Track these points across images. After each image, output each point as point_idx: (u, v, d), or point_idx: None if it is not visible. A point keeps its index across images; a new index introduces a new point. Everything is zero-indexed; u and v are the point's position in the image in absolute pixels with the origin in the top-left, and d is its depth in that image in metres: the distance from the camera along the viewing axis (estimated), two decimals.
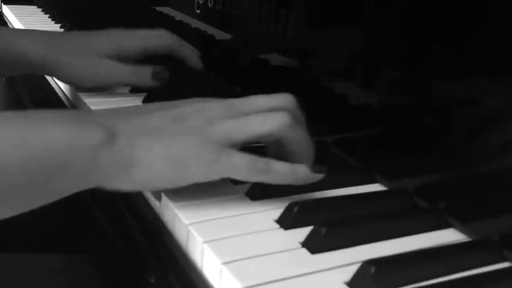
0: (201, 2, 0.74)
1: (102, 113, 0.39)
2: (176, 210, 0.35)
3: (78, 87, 0.55)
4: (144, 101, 0.54)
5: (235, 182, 0.39)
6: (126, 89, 0.58)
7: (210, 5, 0.71)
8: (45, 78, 0.68)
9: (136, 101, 0.55)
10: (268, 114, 0.36)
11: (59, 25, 0.91)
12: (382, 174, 0.40)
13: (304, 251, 0.31)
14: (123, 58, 0.55)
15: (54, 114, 0.34)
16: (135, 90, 0.57)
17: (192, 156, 0.34)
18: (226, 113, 0.36)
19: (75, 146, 0.32)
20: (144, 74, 0.54)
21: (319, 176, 0.35)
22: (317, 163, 0.38)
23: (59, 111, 0.36)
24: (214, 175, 0.34)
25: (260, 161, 0.34)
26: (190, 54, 0.59)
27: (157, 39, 0.57)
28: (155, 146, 0.34)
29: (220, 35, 0.73)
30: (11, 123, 0.32)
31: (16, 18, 0.95)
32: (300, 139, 0.36)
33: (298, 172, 0.35)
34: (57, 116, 0.34)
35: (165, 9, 0.99)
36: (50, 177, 0.31)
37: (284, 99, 0.38)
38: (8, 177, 0.29)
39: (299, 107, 0.38)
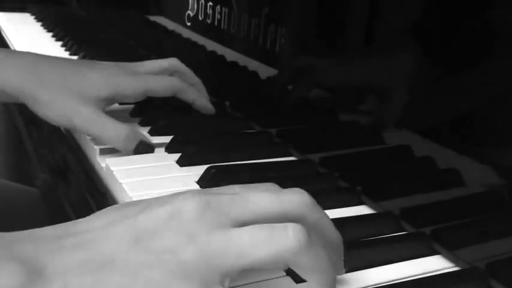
0: (191, 15, 0.74)
1: (24, 236, 0.24)
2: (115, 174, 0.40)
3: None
4: (140, 124, 0.52)
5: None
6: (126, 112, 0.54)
7: (200, 18, 0.71)
8: None
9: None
10: (276, 227, 0.24)
11: (51, 33, 0.91)
12: (369, 196, 0.40)
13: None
14: (117, 100, 0.49)
15: None
16: (135, 114, 0.53)
17: None
18: (210, 221, 0.24)
19: None
20: (124, 140, 0.44)
21: None
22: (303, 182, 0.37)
23: None
24: None
25: None
26: (196, 97, 0.52)
27: (160, 81, 0.49)
28: None
29: (213, 45, 0.73)
30: None
31: (10, 24, 0.95)
32: (315, 266, 0.25)
33: None
34: None
35: (159, 19, 0.98)
36: None
37: (297, 200, 0.26)
38: None
39: (319, 211, 0.27)
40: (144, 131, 0.50)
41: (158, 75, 0.51)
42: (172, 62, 0.53)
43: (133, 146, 0.44)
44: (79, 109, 0.44)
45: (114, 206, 0.27)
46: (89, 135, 0.47)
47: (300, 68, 0.53)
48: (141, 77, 0.49)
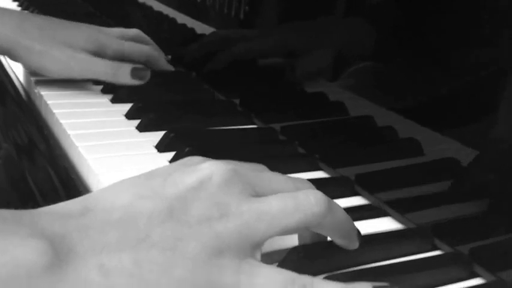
0: None
1: (45, 212, 0.22)
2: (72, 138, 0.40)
3: (46, 75, 0.51)
4: (102, 91, 0.51)
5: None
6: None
7: None
8: (2, 64, 0.65)
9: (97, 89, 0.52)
10: (298, 195, 0.25)
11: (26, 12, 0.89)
12: (326, 161, 0.40)
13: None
14: (100, 55, 0.51)
15: None
16: (106, 90, 0.51)
17: (201, 283, 0.22)
18: (237, 190, 0.24)
19: None
20: (123, 71, 0.50)
21: None
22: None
23: None
24: None
25: (301, 282, 0.23)
26: (163, 64, 0.56)
27: (138, 47, 0.54)
28: (146, 273, 0.21)
29: (184, 19, 0.72)
30: None
31: None
32: (336, 225, 0.26)
33: None
34: None
35: None
36: None
37: (306, 183, 0.28)
38: None
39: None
40: (106, 98, 0.50)
41: (135, 42, 0.55)
42: (136, 32, 0.57)
43: (127, 73, 0.50)
44: (75, 55, 0.49)
45: (127, 179, 0.25)
46: (86, 77, 0.50)
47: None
48: (120, 41, 0.53)
